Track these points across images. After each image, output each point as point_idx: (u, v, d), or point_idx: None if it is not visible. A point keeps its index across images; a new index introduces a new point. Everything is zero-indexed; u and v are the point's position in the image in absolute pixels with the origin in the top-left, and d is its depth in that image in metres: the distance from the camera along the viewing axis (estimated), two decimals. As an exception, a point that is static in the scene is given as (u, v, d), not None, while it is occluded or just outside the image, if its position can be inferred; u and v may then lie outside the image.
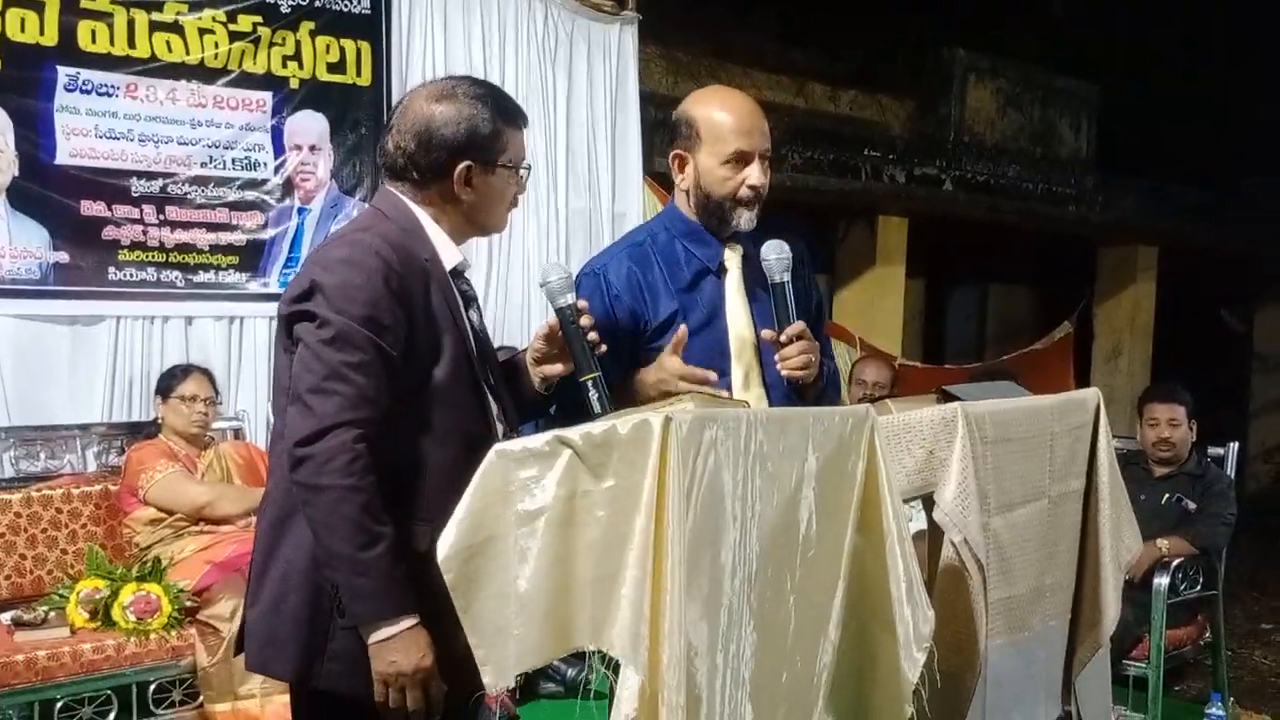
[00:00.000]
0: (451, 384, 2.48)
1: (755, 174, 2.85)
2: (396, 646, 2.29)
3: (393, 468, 2.38)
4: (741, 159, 2.84)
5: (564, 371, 2.65)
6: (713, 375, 2.66)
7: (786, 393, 2.88)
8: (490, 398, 2.59)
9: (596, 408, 2.51)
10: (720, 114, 2.86)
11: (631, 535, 1.98)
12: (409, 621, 2.30)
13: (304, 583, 2.43)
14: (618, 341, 2.80)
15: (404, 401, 2.41)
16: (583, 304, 2.60)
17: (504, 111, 2.59)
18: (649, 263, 2.91)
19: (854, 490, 2.34)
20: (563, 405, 2.72)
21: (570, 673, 5.24)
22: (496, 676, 2.04)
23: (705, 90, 3.02)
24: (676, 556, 1.95)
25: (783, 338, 2.80)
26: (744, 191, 2.85)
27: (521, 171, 2.63)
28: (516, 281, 6.48)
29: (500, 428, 2.59)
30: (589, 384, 2.54)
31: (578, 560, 2.01)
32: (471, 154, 2.54)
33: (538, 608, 2.00)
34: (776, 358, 2.81)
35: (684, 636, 1.95)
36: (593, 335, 2.57)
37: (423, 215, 2.58)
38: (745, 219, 2.88)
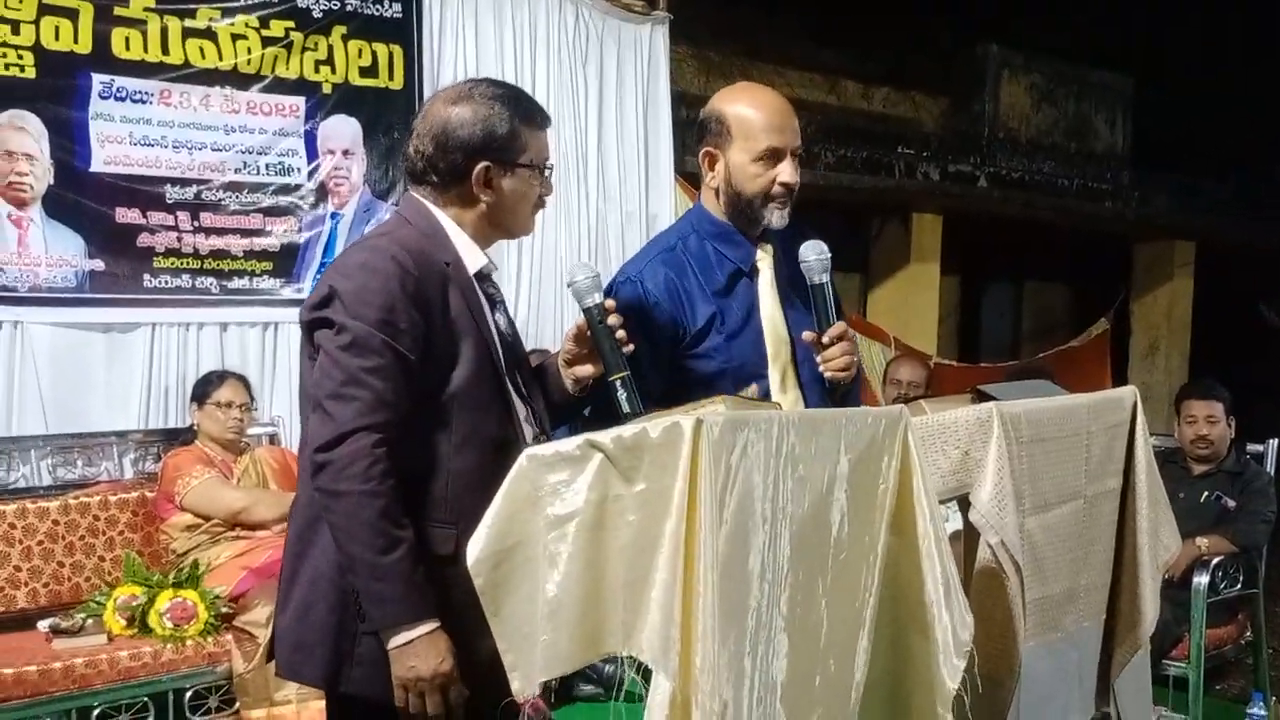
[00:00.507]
0: (473, 387, 2.47)
1: (787, 171, 2.83)
2: (415, 651, 2.30)
3: (414, 471, 2.39)
4: (773, 156, 2.82)
5: (595, 373, 2.65)
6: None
7: (821, 393, 2.87)
8: (517, 401, 2.59)
9: (625, 407, 2.49)
10: (751, 110, 2.84)
11: (662, 539, 1.95)
12: (428, 626, 2.31)
13: (331, 589, 2.44)
14: (657, 349, 2.79)
15: (424, 405, 2.41)
16: (610, 303, 2.58)
17: (522, 111, 2.59)
18: (684, 268, 2.88)
19: (888, 492, 2.31)
20: (596, 408, 2.70)
21: (608, 669, 5.23)
22: (524, 682, 2.03)
23: (735, 87, 3.00)
24: (708, 560, 1.93)
25: (825, 339, 2.79)
26: (776, 189, 2.83)
27: (545, 172, 2.62)
28: (549, 285, 6.47)
29: (529, 431, 2.58)
30: (617, 383, 2.52)
31: (609, 565, 1.99)
32: (489, 154, 2.54)
33: (568, 613, 1.99)
34: (819, 359, 2.81)
35: (715, 641, 1.94)
36: (621, 334, 2.55)
37: (444, 219, 2.58)
38: (777, 217, 2.86)
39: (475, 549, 1.99)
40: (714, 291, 2.87)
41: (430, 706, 2.32)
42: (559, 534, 1.98)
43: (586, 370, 2.66)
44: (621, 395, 2.51)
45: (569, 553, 1.98)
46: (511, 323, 2.73)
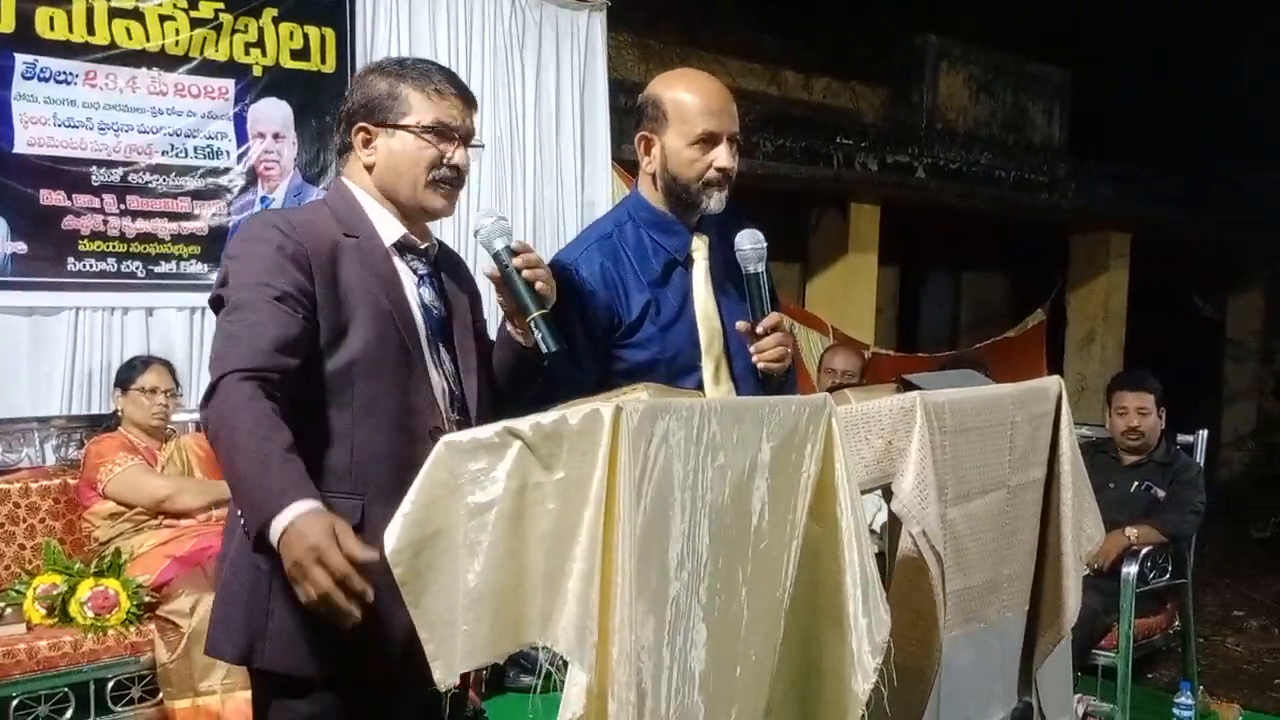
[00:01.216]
0: (372, 358, 2.46)
1: (723, 155, 2.81)
2: (290, 539, 2.16)
3: (315, 441, 2.38)
4: (709, 140, 2.80)
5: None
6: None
7: (755, 384, 2.86)
8: (435, 376, 2.56)
9: (543, 346, 2.45)
10: (688, 95, 2.82)
11: (580, 528, 1.94)
12: (300, 506, 2.17)
13: (244, 564, 2.44)
14: (592, 338, 2.77)
15: (319, 372, 2.41)
16: (518, 244, 2.53)
17: (410, 74, 2.58)
18: (619, 256, 2.86)
19: (809, 481, 2.30)
20: (549, 375, 2.66)
21: (542, 658, 5.20)
22: (446, 672, 1.99)
23: (672, 72, 2.98)
24: (626, 550, 1.91)
25: (759, 329, 2.78)
26: (711, 173, 2.81)
27: (439, 137, 2.56)
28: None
29: (443, 406, 2.56)
30: (533, 324, 2.47)
31: (529, 553, 1.97)
32: (365, 115, 2.56)
33: (488, 603, 1.96)
34: (752, 349, 2.80)
35: (633, 632, 1.92)
36: (527, 273, 2.49)
37: (357, 191, 2.60)
38: (715, 201, 2.84)
39: (393, 537, 1.95)
40: (649, 281, 2.85)
41: (312, 586, 2.13)
42: (479, 522, 1.95)
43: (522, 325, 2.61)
44: (537, 335, 2.46)
45: (489, 541, 1.95)
46: (445, 298, 2.68)
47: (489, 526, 1.95)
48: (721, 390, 2.84)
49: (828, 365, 6.47)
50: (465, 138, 2.60)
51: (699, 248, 2.91)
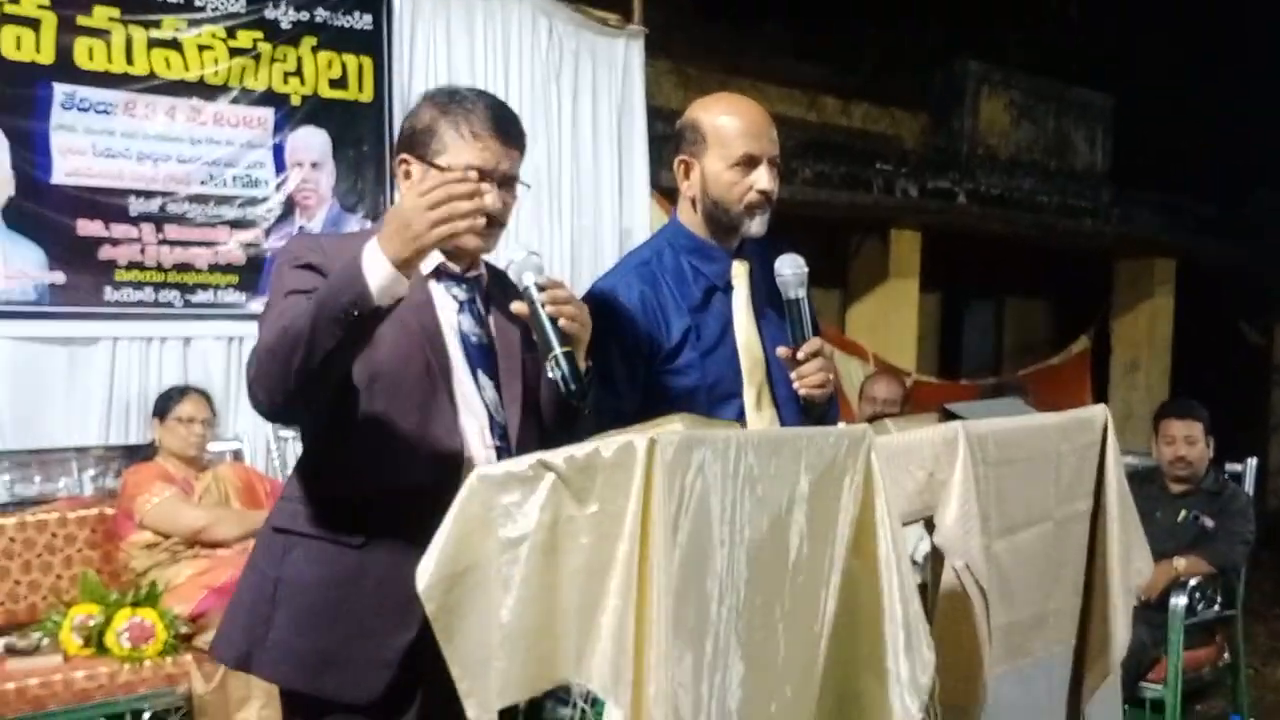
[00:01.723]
0: (395, 373, 2.43)
1: (764, 178, 2.77)
2: (384, 238, 2.18)
3: (324, 446, 2.43)
4: (750, 162, 2.77)
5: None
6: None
7: (797, 411, 2.82)
8: (470, 401, 2.52)
9: (561, 386, 2.37)
10: (727, 118, 2.79)
11: (614, 563, 1.89)
12: (369, 245, 2.19)
13: (250, 571, 2.47)
14: (632, 366, 2.74)
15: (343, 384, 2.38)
16: (544, 279, 2.46)
17: (450, 109, 2.52)
18: (658, 282, 2.82)
19: (849, 513, 2.24)
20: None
21: (577, 694, 5.16)
22: (480, 710, 1.95)
23: (711, 96, 2.93)
24: (661, 585, 1.86)
25: (800, 354, 2.75)
26: (752, 196, 2.77)
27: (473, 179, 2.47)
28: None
29: (478, 437, 2.51)
30: (553, 362, 2.39)
31: (562, 589, 1.92)
32: (407, 148, 2.54)
33: (521, 639, 1.91)
34: (793, 375, 2.76)
35: (669, 669, 1.87)
36: (550, 309, 2.40)
37: None
38: (756, 224, 2.81)
39: (426, 573, 1.91)
40: (689, 307, 2.82)
41: (439, 212, 2.15)
42: (511, 556, 1.91)
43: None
44: (556, 374, 2.38)
45: (522, 576, 1.91)
46: (483, 326, 2.62)
47: (521, 561, 1.91)
48: (764, 417, 2.80)
49: (869, 394, 6.40)
50: (502, 181, 2.54)
51: (739, 273, 2.88)
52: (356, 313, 2.15)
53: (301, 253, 2.44)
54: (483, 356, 2.58)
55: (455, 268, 2.58)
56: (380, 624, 2.21)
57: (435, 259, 2.54)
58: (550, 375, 2.40)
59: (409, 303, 2.44)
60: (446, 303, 2.56)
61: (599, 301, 2.74)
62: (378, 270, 2.15)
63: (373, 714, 2.41)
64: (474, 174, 2.39)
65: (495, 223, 2.55)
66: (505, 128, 2.55)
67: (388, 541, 2.05)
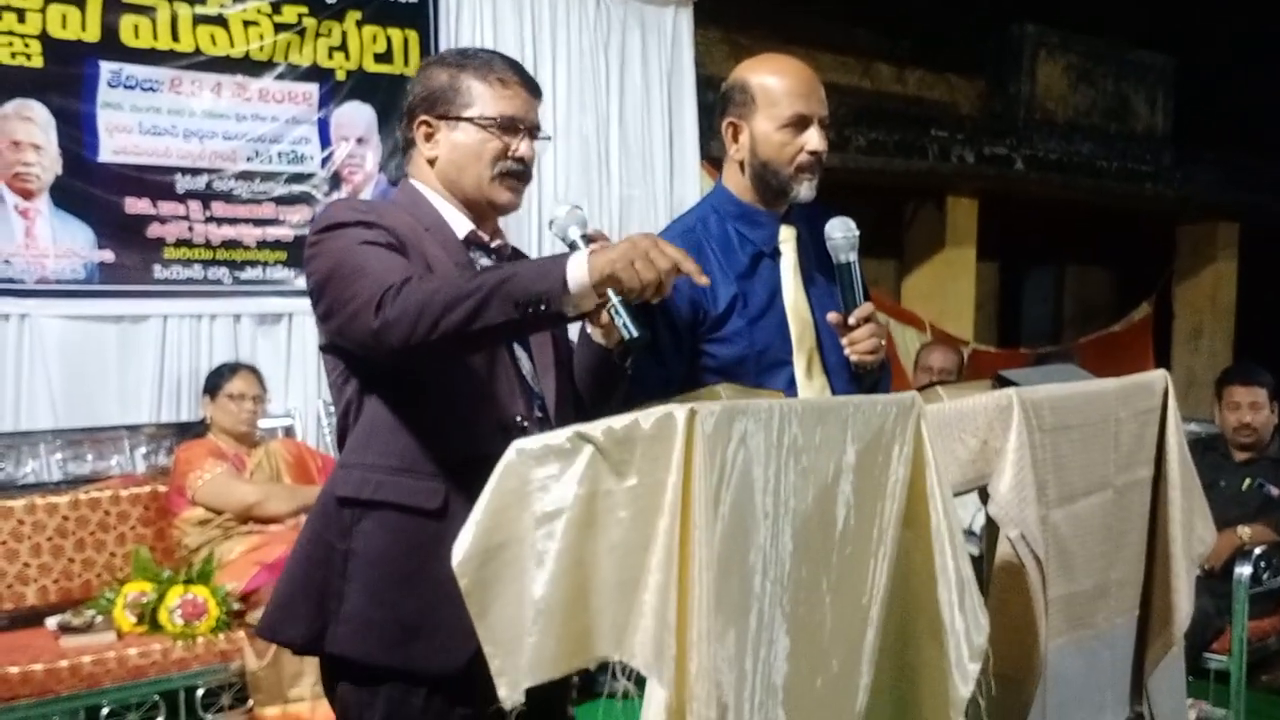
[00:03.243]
0: None
1: (814, 138, 2.72)
2: (595, 254, 2.12)
3: (391, 423, 2.33)
4: (800, 123, 2.71)
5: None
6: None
7: (848, 379, 2.77)
8: (515, 373, 2.47)
9: (624, 333, 2.27)
10: (776, 78, 2.73)
11: (655, 537, 1.84)
12: (575, 255, 2.13)
13: (315, 544, 2.38)
14: (678, 334, 2.69)
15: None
16: (593, 230, 2.42)
17: (469, 63, 2.48)
18: (703, 250, 2.76)
19: (898, 483, 2.18)
20: (634, 375, 2.56)
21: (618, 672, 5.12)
22: (511, 689, 1.91)
23: (759, 57, 2.86)
24: (703, 560, 1.81)
25: (851, 320, 2.70)
26: (803, 157, 2.72)
27: (503, 128, 2.46)
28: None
29: (521, 406, 2.44)
30: (612, 311, 2.27)
31: (599, 564, 1.87)
32: (427, 109, 2.47)
33: (555, 614, 1.87)
34: (844, 341, 2.72)
35: (711, 645, 1.82)
36: None
37: (423, 188, 2.51)
38: (805, 188, 2.75)
39: (461, 547, 1.87)
40: (736, 274, 2.76)
41: (654, 260, 2.10)
42: (546, 531, 1.86)
43: (605, 316, 2.44)
44: (619, 321, 2.27)
45: (557, 551, 1.86)
46: None
47: (557, 535, 1.86)
48: (815, 385, 2.75)
49: (924, 364, 6.29)
50: (531, 130, 2.50)
51: (787, 239, 2.82)
52: (544, 305, 2.10)
53: (346, 214, 2.37)
54: None
55: (484, 236, 2.53)
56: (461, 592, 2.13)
57: (466, 227, 2.50)
58: (614, 330, 2.35)
59: (459, 265, 2.41)
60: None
61: None
62: (578, 275, 2.10)
63: (455, 687, 2.35)
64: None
65: (525, 176, 2.53)
66: (528, 77, 2.54)
67: (463, 507, 1.99)
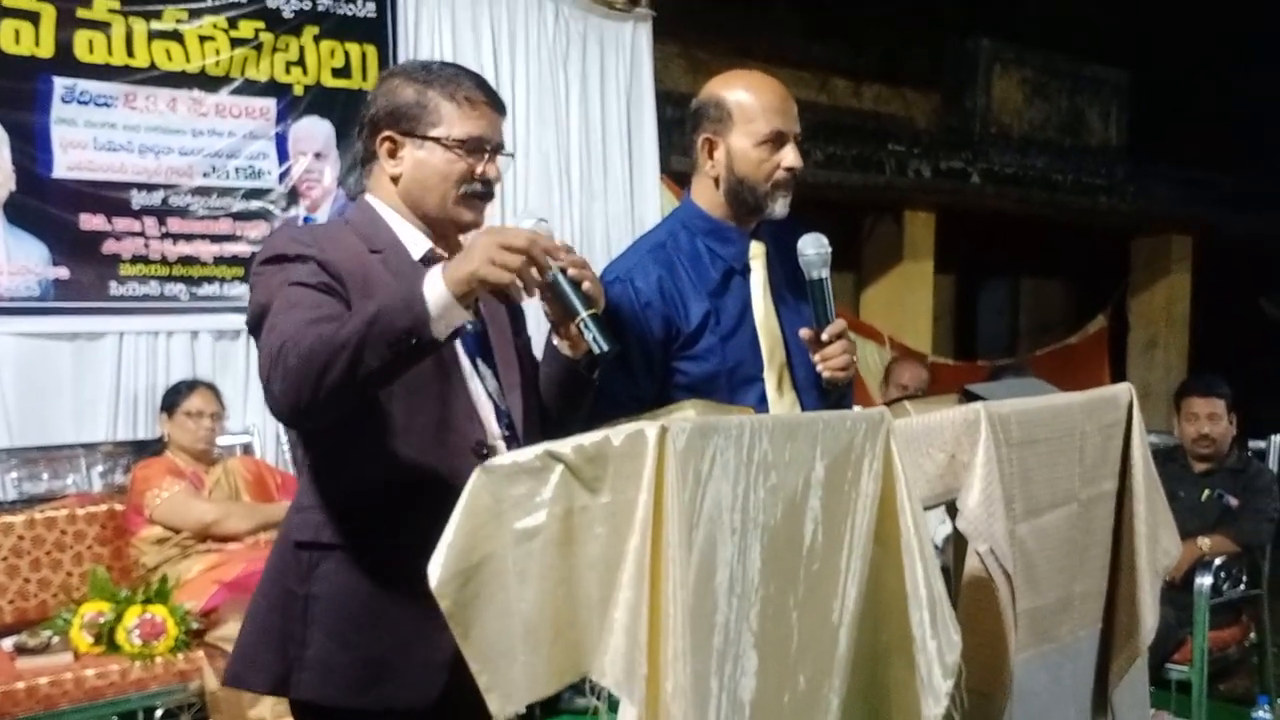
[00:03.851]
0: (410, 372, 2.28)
1: (791, 155, 2.72)
2: (450, 266, 2.09)
3: (352, 460, 2.28)
4: (778, 139, 2.72)
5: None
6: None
7: (817, 395, 2.78)
8: (477, 390, 2.43)
9: (595, 348, 2.26)
10: (751, 95, 2.73)
11: (626, 555, 1.83)
12: (431, 274, 2.09)
13: (272, 586, 2.34)
14: (649, 351, 2.68)
15: None
16: (559, 243, 2.32)
17: (438, 81, 2.42)
18: (674, 265, 2.76)
19: (867, 499, 2.18)
20: (604, 392, 2.54)
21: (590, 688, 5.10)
22: (504, 703, 1.89)
23: (732, 73, 2.86)
24: (676, 578, 1.80)
25: (824, 336, 2.70)
26: (780, 174, 2.73)
27: (469, 150, 2.41)
28: (533, 286, 6.34)
29: (487, 422, 2.42)
30: (582, 325, 2.26)
31: (581, 580, 1.86)
32: (391, 124, 2.41)
33: (544, 632, 1.85)
34: (817, 357, 2.71)
35: (686, 664, 1.80)
36: (573, 272, 2.28)
37: (380, 205, 2.45)
38: (780, 205, 2.76)
39: (438, 569, 1.85)
40: (708, 291, 2.76)
41: (507, 252, 2.07)
42: (526, 550, 1.84)
43: (571, 330, 2.41)
44: (589, 335, 2.26)
45: (539, 569, 1.85)
46: (475, 312, 2.55)
47: (536, 554, 1.84)
48: (786, 401, 2.75)
49: (895, 380, 6.33)
50: (496, 149, 2.47)
51: (757, 255, 2.82)
52: (414, 340, 2.07)
53: (287, 245, 2.32)
54: (478, 344, 2.50)
55: (444, 253, 2.47)
56: (428, 626, 2.04)
57: (424, 246, 2.45)
58: (581, 343, 2.32)
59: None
60: None
61: (614, 287, 2.68)
62: (436, 296, 2.06)
63: None
64: (559, 243, 2.31)
65: (488, 195, 2.49)
66: (494, 94, 2.50)
67: (422, 540, 1.95)
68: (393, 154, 2.42)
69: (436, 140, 2.40)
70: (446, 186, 2.43)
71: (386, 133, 2.41)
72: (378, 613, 2.27)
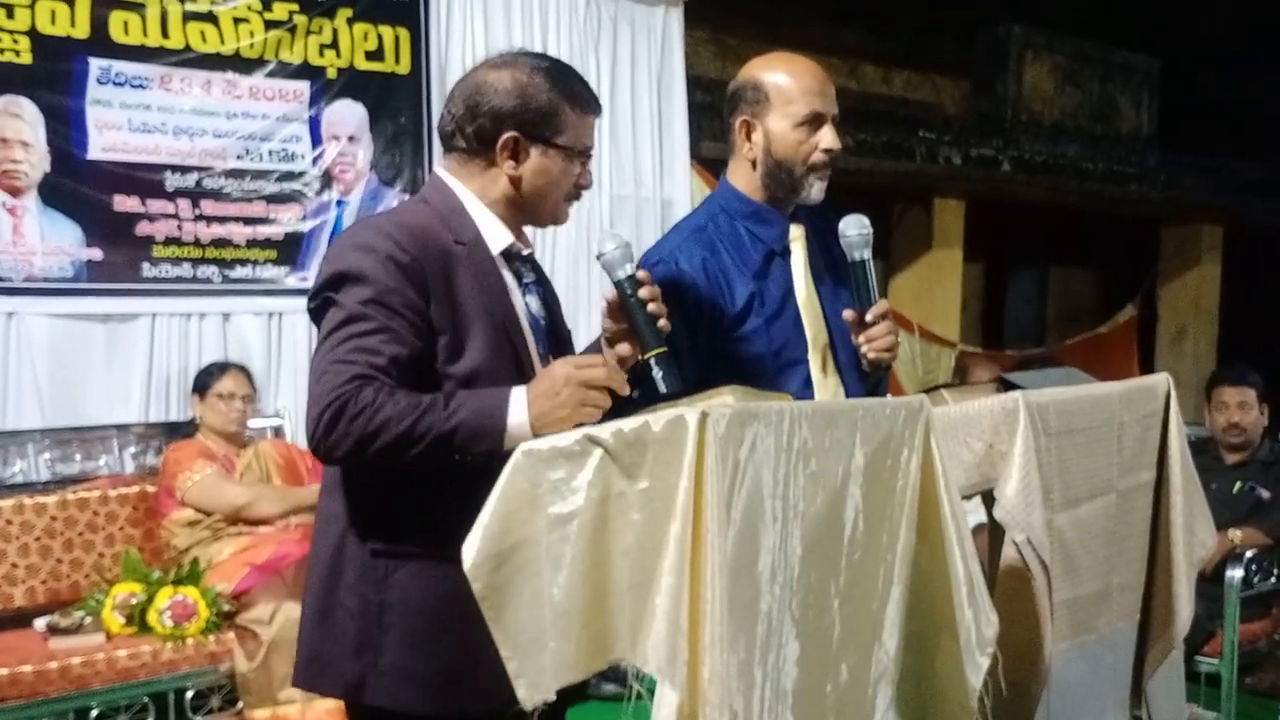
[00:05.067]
0: (490, 373, 2.31)
1: (829, 137, 2.72)
2: (536, 401, 2.15)
3: (432, 467, 2.23)
4: (815, 120, 2.71)
5: (636, 351, 2.48)
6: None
7: (859, 377, 2.79)
8: None
9: (662, 387, 2.31)
10: (790, 76, 2.73)
11: (667, 541, 1.83)
12: (514, 391, 2.17)
13: (349, 594, 2.33)
14: (695, 333, 2.67)
15: (431, 391, 2.25)
16: (643, 274, 2.40)
17: (568, 89, 2.42)
18: (717, 248, 2.76)
19: (907, 487, 2.18)
20: (644, 390, 2.56)
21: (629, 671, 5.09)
22: (532, 690, 1.90)
23: (768, 55, 2.86)
24: (716, 564, 1.80)
25: (869, 316, 2.70)
26: (818, 156, 2.73)
27: (584, 160, 2.47)
28: (562, 273, 6.34)
29: None
30: (653, 361, 2.34)
31: (614, 566, 1.87)
32: (519, 125, 2.38)
33: (574, 618, 1.87)
34: (861, 338, 2.72)
35: (724, 651, 1.80)
36: (654, 307, 2.37)
37: (467, 195, 2.44)
38: (817, 189, 2.76)
39: (472, 551, 1.86)
40: (751, 273, 2.76)
41: (591, 393, 2.16)
42: (561, 534, 1.86)
43: (629, 349, 2.48)
44: (658, 374, 2.33)
45: (572, 554, 1.86)
46: (548, 306, 2.57)
47: (571, 539, 1.86)
48: (830, 383, 2.76)
49: (974, 379, 6.28)
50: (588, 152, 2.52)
51: (797, 237, 2.83)
52: (478, 455, 2.15)
53: (389, 249, 2.27)
54: (547, 337, 2.52)
55: (522, 247, 2.50)
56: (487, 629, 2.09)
57: (505, 240, 2.45)
58: (652, 375, 2.35)
59: (491, 292, 2.38)
60: (514, 285, 2.47)
61: (659, 268, 2.68)
62: (518, 428, 2.13)
63: None
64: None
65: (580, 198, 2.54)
66: (598, 100, 2.54)
67: None
68: (515, 155, 2.40)
69: (560, 148, 2.41)
70: (560, 194, 2.46)
71: (513, 133, 2.39)
72: (451, 620, 2.27)
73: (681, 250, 2.74)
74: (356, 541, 2.33)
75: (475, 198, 2.44)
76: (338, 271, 2.27)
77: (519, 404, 2.14)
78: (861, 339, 2.71)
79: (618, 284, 2.39)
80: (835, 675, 2.08)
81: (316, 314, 2.33)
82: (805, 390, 2.69)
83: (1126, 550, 2.75)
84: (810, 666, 2.01)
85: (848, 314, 2.72)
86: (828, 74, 2.80)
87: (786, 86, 2.72)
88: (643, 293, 2.37)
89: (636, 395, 2.52)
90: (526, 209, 2.47)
